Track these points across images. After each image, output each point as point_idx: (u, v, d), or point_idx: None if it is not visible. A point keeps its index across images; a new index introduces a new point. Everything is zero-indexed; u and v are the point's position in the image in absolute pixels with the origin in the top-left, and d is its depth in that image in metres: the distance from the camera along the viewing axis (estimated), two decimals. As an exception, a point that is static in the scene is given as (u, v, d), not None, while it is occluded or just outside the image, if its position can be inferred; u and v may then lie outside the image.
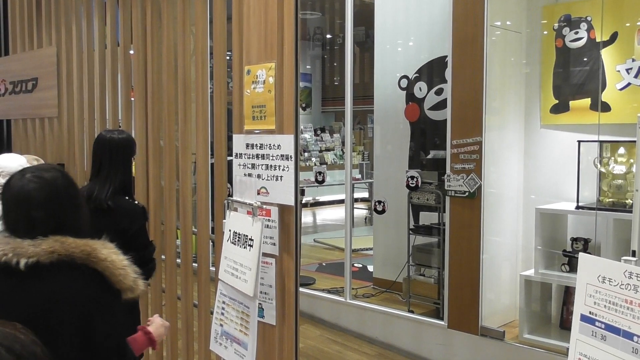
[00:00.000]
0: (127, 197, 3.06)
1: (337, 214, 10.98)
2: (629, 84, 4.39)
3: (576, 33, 4.64)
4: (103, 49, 4.38)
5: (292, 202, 2.77)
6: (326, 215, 12.26)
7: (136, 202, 3.13)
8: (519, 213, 5.04)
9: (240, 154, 3.02)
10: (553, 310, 4.88)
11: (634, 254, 1.92)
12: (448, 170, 4.65)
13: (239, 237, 2.71)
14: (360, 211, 11.35)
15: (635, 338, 1.62)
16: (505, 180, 4.93)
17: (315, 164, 12.49)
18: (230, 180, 3.23)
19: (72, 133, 4.71)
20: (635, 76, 4.34)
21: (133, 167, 4.08)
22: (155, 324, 2.30)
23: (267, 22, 2.84)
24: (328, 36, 15.25)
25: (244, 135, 3.00)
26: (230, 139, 3.24)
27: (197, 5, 3.45)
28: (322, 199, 12.58)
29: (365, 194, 11.42)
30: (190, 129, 3.68)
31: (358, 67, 12.50)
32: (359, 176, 11.44)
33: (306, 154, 13.49)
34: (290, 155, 2.76)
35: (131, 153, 3.14)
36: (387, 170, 6.29)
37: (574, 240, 4.47)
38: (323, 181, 6.84)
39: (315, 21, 14.29)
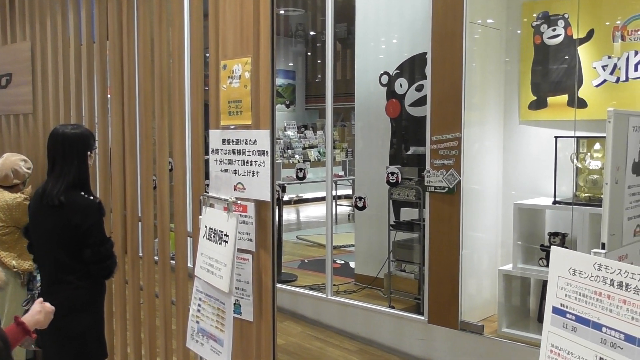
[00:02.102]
0: (82, 193, 2.99)
1: (320, 211, 10.98)
2: (604, 80, 4.43)
3: (554, 30, 4.67)
4: (78, 44, 4.33)
5: (268, 198, 2.76)
6: (310, 212, 12.26)
7: (92, 197, 3.03)
8: (498, 208, 5.07)
9: (217, 150, 3.00)
10: (531, 304, 4.93)
11: (603, 246, 1.94)
12: (428, 166, 4.67)
13: (214, 233, 2.69)
14: (344, 208, 11.37)
15: (603, 329, 1.63)
16: (485, 175, 4.96)
17: (298, 161, 12.49)
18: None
19: (48, 130, 4.63)
20: (611, 73, 4.38)
21: (112, 163, 4.06)
22: (31, 312, 2.35)
23: (243, 16, 2.83)
24: (311, 33, 15.24)
25: (220, 130, 2.99)
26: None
27: None
28: (305, 196, 12.58)
29: (349, 191, 11.44)
30: (167, 125, 3.65)
31: (340, 64, 12.52)
32: (342, 173, 11.46)
33: (290, 151, 13.48)
34: (267, 151, 2.75)
35: (86, 147, 3.05)
36: (368, 167, 6.30)
37: (552, 234, 4.51)
38: (304, 178, 6.84)
39: (298, 18, 14.26)
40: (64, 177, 2.95)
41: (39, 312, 2.38)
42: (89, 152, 3.06)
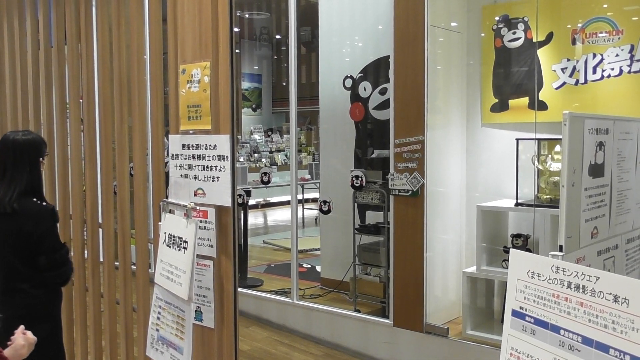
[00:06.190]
0: (35, 199, 2.96)
1: (287, 214, 10.90)
2: (564, 83, 4.50)
3: (514, 33, 4.73)
4: (36, 49, 4.25)
5: (229, 203, 2.73)
6: (277, 216, 12.20)
7: (44, 203, 3.01)
8: (462, 211, 5.11)
9: (177, 155, 2.96)
10: (495, 305, 4.97)
11: (560, 248, 1.96)
12: (392, 169, 4.68)
13: (173, 240, 2.65)
14: (311, 211, 11.35)
15: (561, 331, 1.64)
16: (448, 178, 4.99)
17: (265, 165, 12.44)
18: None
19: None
20: (570, 75, 4.45)
21: (71, 169, 3.97)
22: (15, 345, 2.21)
23: (202, 20, 2.80)
24: (277, 36, 15.20)
25: (179, 135, 2.94)
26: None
27: (131, 3, 3.37)
28: (273, 199, 12.52)
29: (316, 195, 11.41)
30: (127, 130, 3.59)
31: (305, 67, 12.50)
32: (309, 176, 11.44)
33: (256, 155, 13.41)
34: (227, 156, 2.72)
35: (38, 154, 3.02)
36: (333, 170, 6.29)
37: (514, 236, 4.55)
38: (269, 182, 6.81)
39: (263, 21, 14.21)
40: (15, 184, 2.90)
41: (23, 346, 2.22)
42: (40, 159, 3.01)
